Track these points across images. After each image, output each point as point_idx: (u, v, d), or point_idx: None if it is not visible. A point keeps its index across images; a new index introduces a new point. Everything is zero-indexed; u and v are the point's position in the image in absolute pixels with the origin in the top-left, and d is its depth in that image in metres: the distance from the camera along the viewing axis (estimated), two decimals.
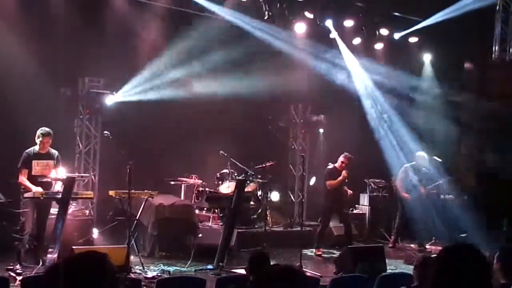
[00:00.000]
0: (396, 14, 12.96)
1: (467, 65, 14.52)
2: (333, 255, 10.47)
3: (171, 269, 8.79)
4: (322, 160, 12.58)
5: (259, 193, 11.69)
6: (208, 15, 11.61)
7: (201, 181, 11.29)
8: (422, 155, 11.89)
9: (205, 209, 11.27)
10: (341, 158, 10.94)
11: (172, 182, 11.15)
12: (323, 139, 13.55)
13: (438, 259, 2.63)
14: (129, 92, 11.08)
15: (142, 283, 7.21)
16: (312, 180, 12.54)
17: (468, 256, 2.56)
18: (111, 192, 8.99)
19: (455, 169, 12.93)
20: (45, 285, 2.34)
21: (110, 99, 10.74)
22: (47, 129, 8.51)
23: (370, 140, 13.05)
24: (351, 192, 11.33)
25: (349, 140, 12.34)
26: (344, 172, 10.81)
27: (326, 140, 13.14)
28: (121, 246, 8.27)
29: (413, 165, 11.92)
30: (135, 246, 8.78)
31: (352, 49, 13.24)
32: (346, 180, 11.00)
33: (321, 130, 13.44)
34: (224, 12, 11.54)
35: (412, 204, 11.64)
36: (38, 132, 8.48)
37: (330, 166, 11.05)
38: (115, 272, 2.38)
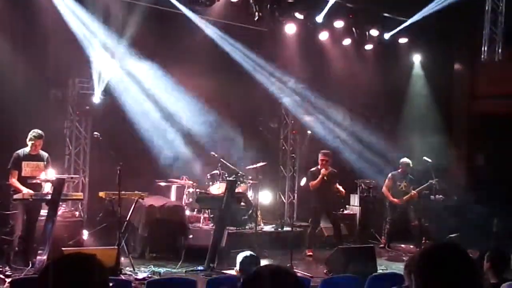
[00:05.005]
0: (386, 14, 12.96)
1: (456, 66, 14.60)
2: (324, 256, 10.46)
3: (161, 270, 8.75)
4: (311, 161, 12.55)
5: (250, 193, 11.68)
6: (199, 16, 11.58)
7: (191, 182, 11.27)
8: (406, 162, 11.77)
9: (195, 210, 11.25)
10: (319, 157, 10.84)
11: (163, 184, 11.12)
12: (312, 140, 13.47)
13: (420, 259, 2.61)
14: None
15: (133, 284, 7.18)
16: (303, 181, 12.53)
17: (450, 255, 2.54)
18: (101, 193, 8.96)
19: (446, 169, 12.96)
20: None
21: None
22: (39, 131, 8.46)
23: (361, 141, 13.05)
24: (343, 190, 11.11)
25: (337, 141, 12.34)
26: (322, 171, 10.68)
27: (315, 141, 13.06)
28: (111, 247, 8.23)
29: (398, 172, 11.87)
30: (125, 247, 8.75)
31: (343, 50, 13.27)
32: (325, 178, 10.68)
33: (309, 132, 13.33)
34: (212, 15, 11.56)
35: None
36: (30, 134, 8.43)
37: (313, 168, 10.98)
38: (105, 273, 2.33)
